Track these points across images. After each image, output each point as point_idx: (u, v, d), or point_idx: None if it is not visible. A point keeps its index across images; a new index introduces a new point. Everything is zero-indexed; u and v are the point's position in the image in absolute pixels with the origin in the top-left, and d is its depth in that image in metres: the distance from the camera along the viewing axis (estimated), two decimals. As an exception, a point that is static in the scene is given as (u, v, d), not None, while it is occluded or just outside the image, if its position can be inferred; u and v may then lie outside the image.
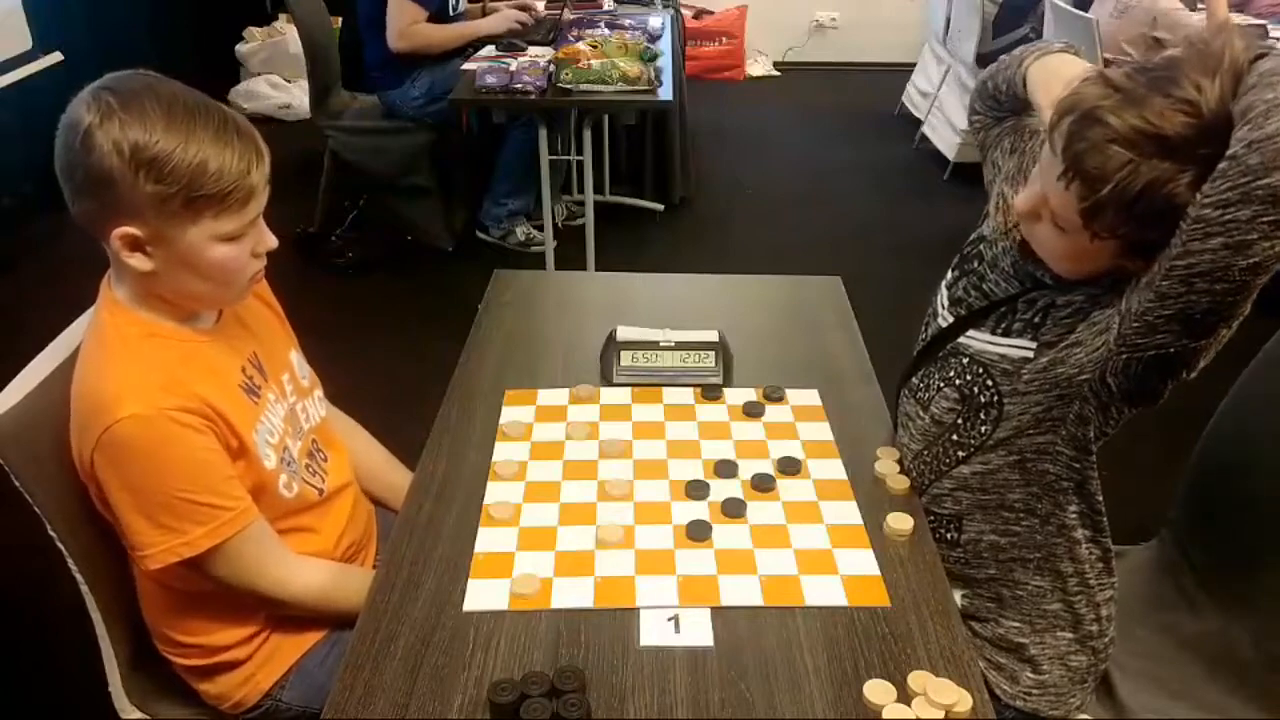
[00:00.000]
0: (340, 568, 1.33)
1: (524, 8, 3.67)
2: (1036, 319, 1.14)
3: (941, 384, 1.25)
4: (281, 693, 1.31)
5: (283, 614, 1.29)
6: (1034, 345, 1.13)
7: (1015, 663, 1.29)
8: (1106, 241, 1.03)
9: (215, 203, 1.07)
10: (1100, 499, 1.22)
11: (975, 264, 1.28)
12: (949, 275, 1.33)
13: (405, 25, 3.30)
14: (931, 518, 1.27)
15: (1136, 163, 0.96)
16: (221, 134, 1.07)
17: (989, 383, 1.18)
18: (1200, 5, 3.49)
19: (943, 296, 1.32)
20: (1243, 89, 0.93)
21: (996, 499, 1.22)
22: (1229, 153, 0.90)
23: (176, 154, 1.03)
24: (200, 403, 1.12)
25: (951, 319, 1.27)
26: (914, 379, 1.31)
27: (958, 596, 1.28)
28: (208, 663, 1.30)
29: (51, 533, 1.21)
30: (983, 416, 1.19)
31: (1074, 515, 1.22)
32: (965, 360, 1.22)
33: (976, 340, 1.22)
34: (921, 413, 1.28)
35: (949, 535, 1.27)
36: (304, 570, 1.26)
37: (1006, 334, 1.17)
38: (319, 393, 1.43)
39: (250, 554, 1.19)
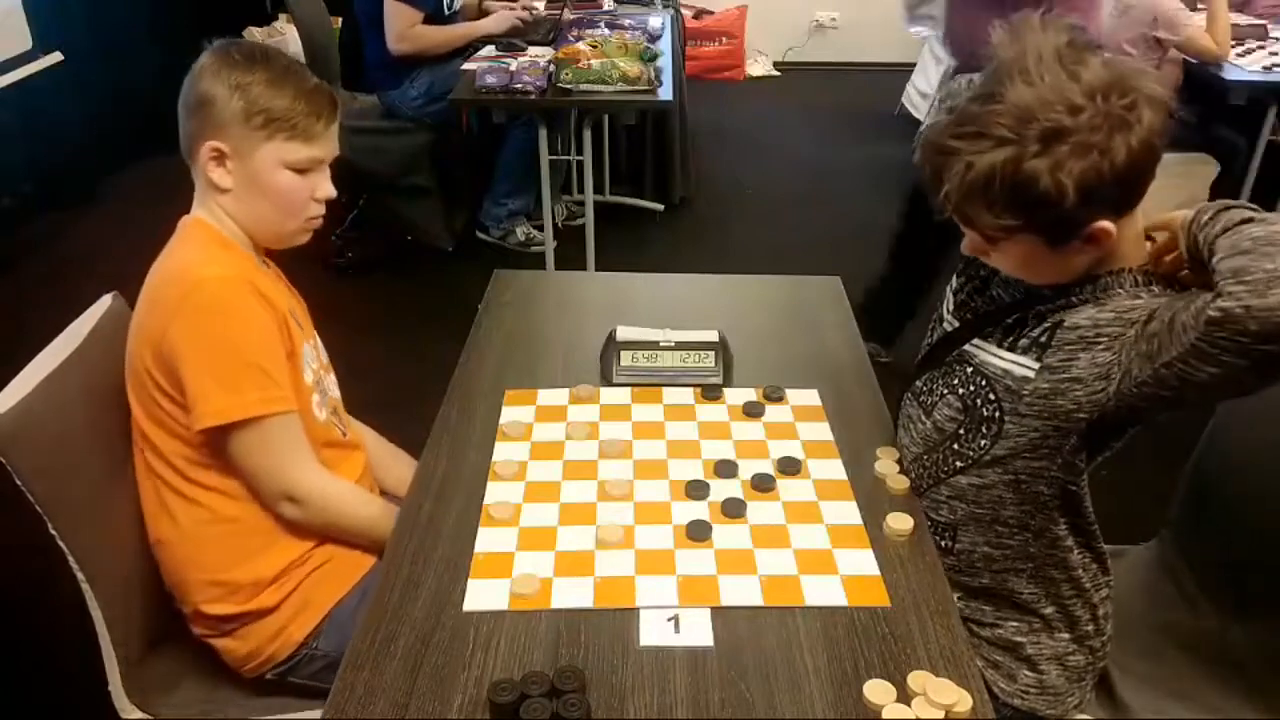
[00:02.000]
0: (361, 488, 1.41)
1: (523, 6, 3.67)
2: (1043, 338, 1.14)
3: (945, 391, 1.25)
4: (317, 642, 1.33)
5: (300, 527, 1.33)
6: (1037, 366, 1.13)
7: (1012, 662, 1.29)
8: (1022, 240, 1.08)
9: (285, 128, 1.28)
10: (1090, 509, 1.23)
11: (979, 269, 1.28)
12: (954, 280, 1.33)
13: (404, 28, 3.31)
14: (928, 524, 1.27)
15: (970, 160, 1.03)
16: (304, 85, 1.31)
17: (991, 396, 1.18)
18: (1200, 5, 3.49)
19: (948, 301, 1.32)
20: (1221, 235, 0.99)
21: (990, 514, 1.23)
22: (1222, 304, 0.94)
23: (264, 85, 1.27)
24: (270, 297, 1.29)
25: (957, 323, 1.28)
26: (918, 382, 1.31)
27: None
28: (237, 610, 1.32)
29: (52, 532, 1.21)
30: (983, 430, 1.19)
31: (1065, 528, 1.22)
32: (969, 370, 1.22)
33: (982, 350, 1.21)
34: (924, 417, 1.28)
35: (943, 544, 1.27)
36: (325, 475, 1.34)
37: (1012, 349, 1.17)
38: (333, 376, 1.50)
39: (283, 442, 1.29)
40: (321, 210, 1.37)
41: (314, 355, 1.42)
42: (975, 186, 1.04)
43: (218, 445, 1.27)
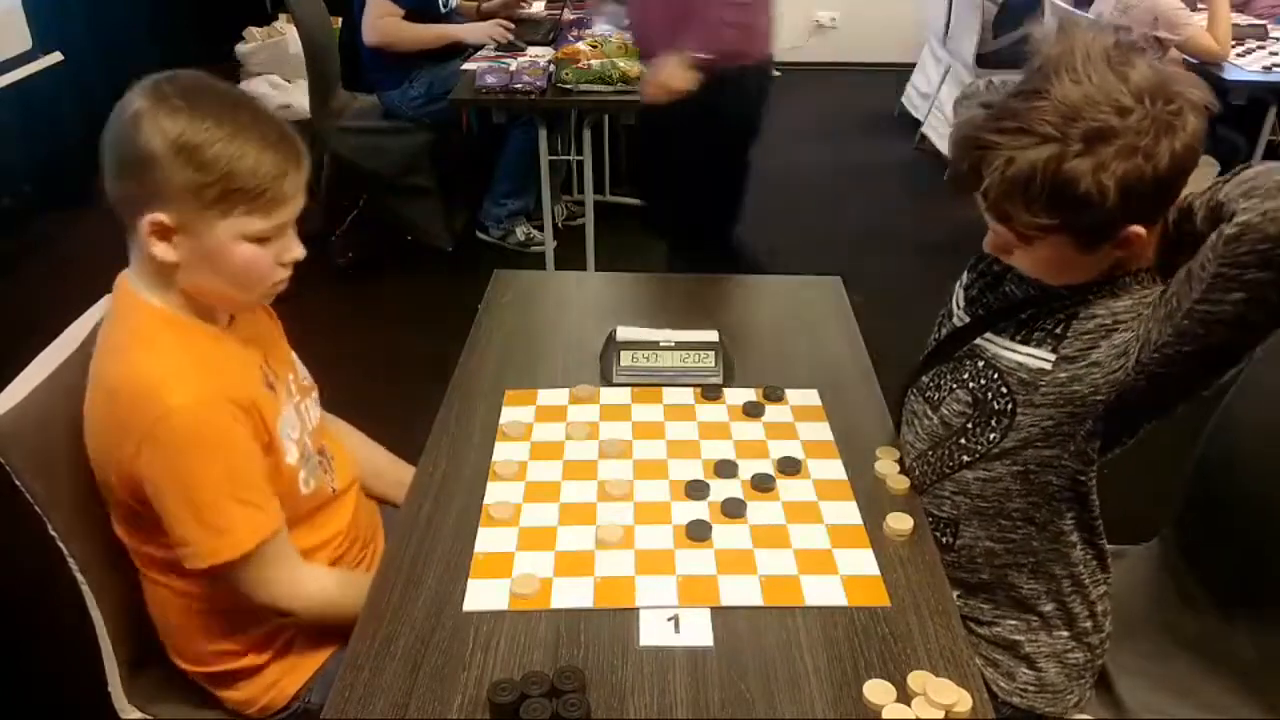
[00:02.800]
0: (344, 573, 1.32)
1: (510, 18, 3.66)
2: (1058, 329, 1.14)
3: (954, 385, 1.24)
4: (310, 695, 1.30)
5: (289, 622, 1.27)
6: (1053, 358, 1.13)
7: (1011, 660, 1.29)
8: (1052, 241, 1.06)
9: (247, 199, 1.09)
10: (1096, 503, 1.22)
11: (993, 265, 1.28)
12: (965, 276, 1.32)
13: (375, 18, 3.31)
14: (929, 519, 1.27)
15: (1011, 156, 1.02)
16: (267, 137, 1.10)
17: (1003, 389, 1.17)
18: (1200, 5, 3.49)
19: (958, 297, 1.32)
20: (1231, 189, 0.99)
21: (996, 507, 1.22)
22: (1239, 219, 0.94)
23: (219, 146, 1.06)
24: (237, 391, 1.14)
25: (968, 319, 1.27)
26: (924, 378, 1.31)
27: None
28: (227, 669, 1.29)
29: (52, 532, 1.21)
30: (993, 424, 1.19)
31: (1070, 522, 1.22)
32: (981, 364, 1.21)
33: (995, 344, 1.21)
34: (930, 413, 1.28)
35: (944, 539, 1.27)
36: (313, 578, 1.25)
37: (1026, 341, 1.17)
38: (315, 394, 1.43)
39: (272, 562, 1.18)
40: (288, 273, 1.19)
41: (290, 403, 1.28)
42: (1016, 183, 1.02)
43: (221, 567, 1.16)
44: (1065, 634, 1.27)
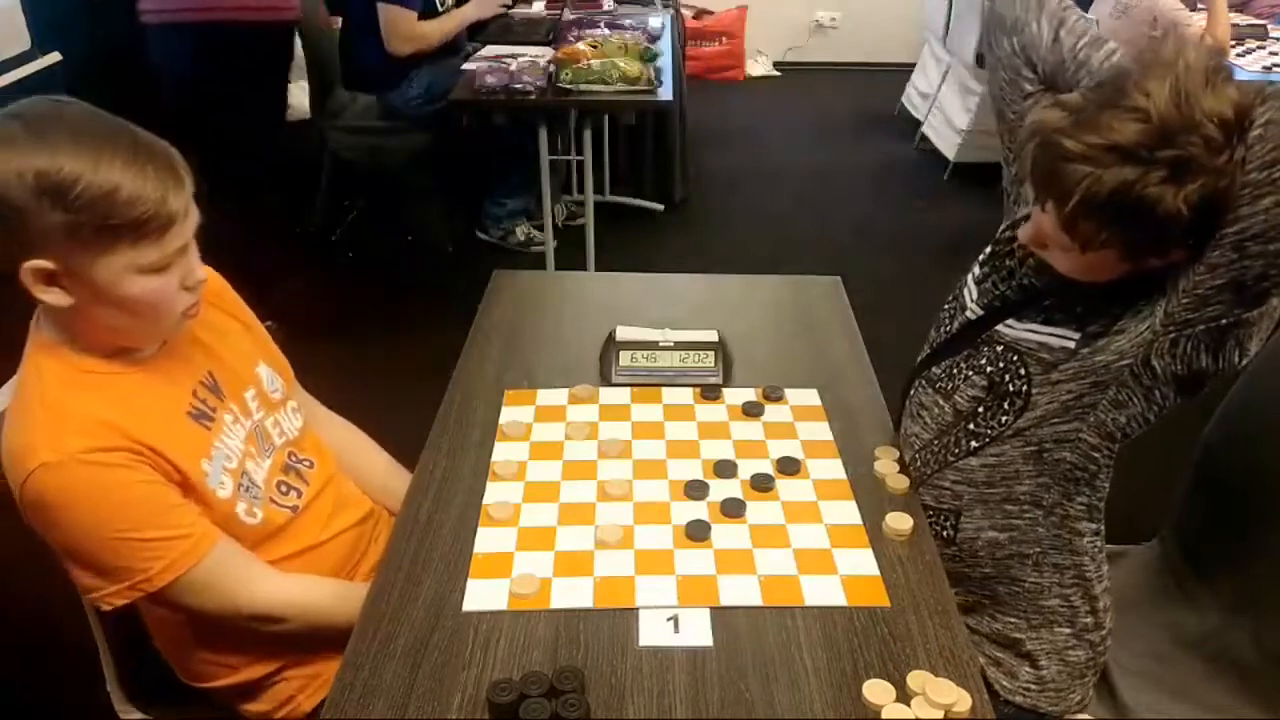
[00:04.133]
0: (335, 583, 1.29)
1: None
2: (1080, 309, 1.13)
3: (970, 372, 1.23)
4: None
5: (284, 630, 1.23)
6: (1077, 335, 1.12)
7: (1013, 659, 1.29)
8: (1104, 251, 1.04)
9: (130, 231, 1.00)
10: (1106, 486, 1.21)
11: (1008, 260, 1.26)
12: (976, 270, 1.31)
13: (408, 30, 3.31)
14: (929, 513, 1.27)
15: (1097, 174, 0.99)
16: (135, 159, 0.99)
17: (1021, 371, 1.16)
18: (1200, 5, 3.49)
19: (970, 291, 1.30)
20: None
21: (1003, 492, 1.22)
22: (1265, 119, 0.93)
23: (84, 179, 0.96)
24: (125, 438, 1.06)
25: (982, 311, 1.26)
26: (935, 369, 1.30)
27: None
28: (236, 681, 1.28)
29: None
30: (1006, 406, 1.18)
31: (1080, 506, 1.21)
32: (999, 348, 1.19)
33: (1014, 328, 1.19)
34: (942, 402, 1.27)
35: (944, 532, 1.27)
36: (292, 586, 1.22)
37: (1048, 322, 1.15)
38: (293, 404, 1.36)
39: (222, 578, 1.14)
40: (197, 297, 1.11)
41: (242, 425, 1.22)
42: (1096, 198, 1.00)
43: (151, 600, 1.12)
44: (1066, 631, 1.27)
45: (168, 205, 1.01)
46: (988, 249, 1.32)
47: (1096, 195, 0.99)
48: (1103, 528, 1.26)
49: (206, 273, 1.14)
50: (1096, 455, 1.17)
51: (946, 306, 1.34)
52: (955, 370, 1.26)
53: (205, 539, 1.12)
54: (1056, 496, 1.20)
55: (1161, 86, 0.97)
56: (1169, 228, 0.99)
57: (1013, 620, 1.28)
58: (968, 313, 1.28)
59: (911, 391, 1.34)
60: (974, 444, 1.22)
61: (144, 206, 0.99)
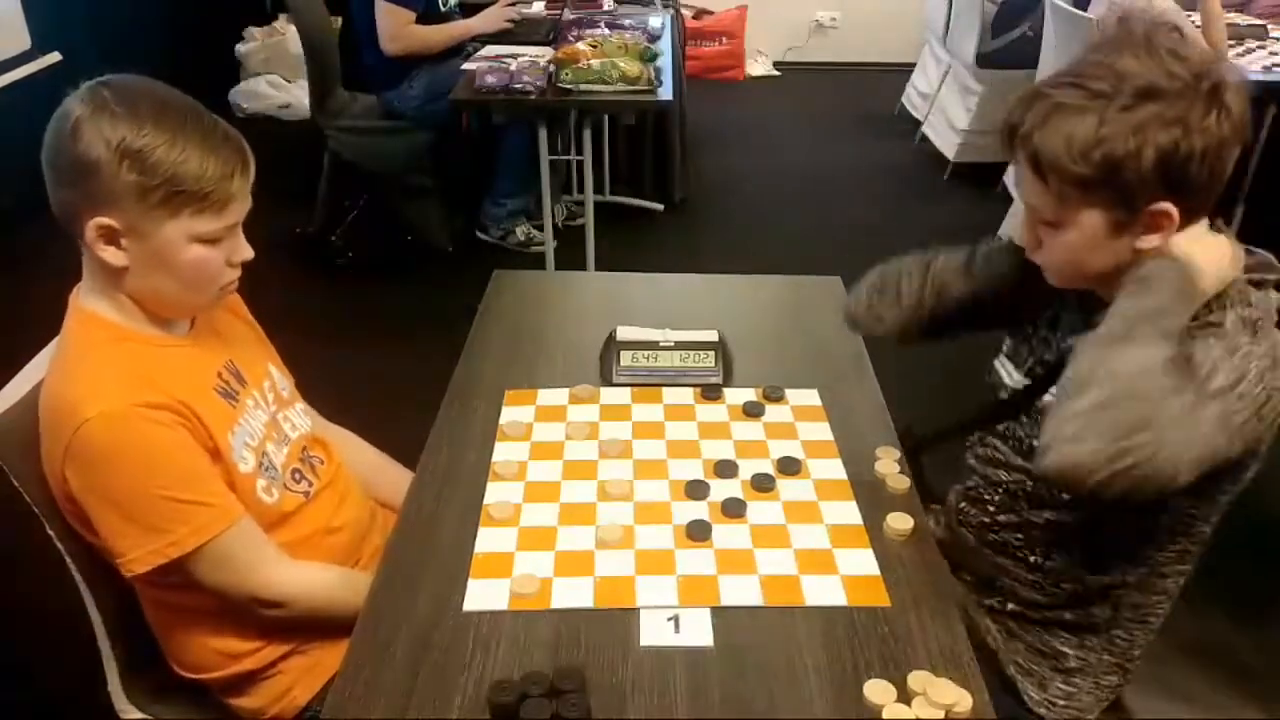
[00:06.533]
0: (341, 570, 1.32)
1: (513, 3, 3.67)
2: None
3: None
4: (321, 707, 1.28)
5: (284, 619, 1.25)
6: None
7: (1049, 671, 1.28)
8: (1085, 218, 1.06)
9: (194, 201, 1.10)
10: (1206, 534, 1.20)
11: (1043, 331, 1.27)
12: (1006, 345, 1.32)
13: (397, 29, 3.31)
14: (1019, 537, 1.26)
15: (1060, 102, 1.04)
16: (209, 138, 1.11)
17: None
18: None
19: (1005, 368, 1.31)
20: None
21: (1098, 539, 1.21)
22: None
23: (161, 149, 1.07)
24: (172, 399, 1.13)
25: (1029, 381, 1.26)
26: (995, 440, 1.30)
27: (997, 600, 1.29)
28: (227, 674, 1.28)
29: (51, 532, 1.21)
30: None
31: (1172, 554, 1.21)
32: None
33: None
34: (1015, 456, 1.26)
35: (1031, 559, 1.26)
36: (300, 572, 1.25)
37: None
38: (301, 405, 1.42)
39: (239, 554, 1.17)
40: (238, 274, 1.20)
41: (263, 411, 1.28)
42: (1059, 130, 1.04)
43: (169, 569, 1.15)
44: (1110, 659, 1.27)
45: (230, 184, 1.12)
46: (1016, 334, 1.32)
47: (1059, 125, 1.04)
48: (1190, 568, 1.24)
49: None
50: (1194, 512, 1.16)
51: (988, 382, 1.34)
52: (1013, 431, 1.26)
53: (232, 510, 1.17)
54: (1150, 549, 1.20)
55: (1123, 48, 1.05)
56: (1133, 167, 1.01)
57: (1065, 636, 1.27)
58: (1011, 384, 1.29)
59: (975, 449, 1.34)
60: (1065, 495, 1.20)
61: (210, 181, 1.10)
